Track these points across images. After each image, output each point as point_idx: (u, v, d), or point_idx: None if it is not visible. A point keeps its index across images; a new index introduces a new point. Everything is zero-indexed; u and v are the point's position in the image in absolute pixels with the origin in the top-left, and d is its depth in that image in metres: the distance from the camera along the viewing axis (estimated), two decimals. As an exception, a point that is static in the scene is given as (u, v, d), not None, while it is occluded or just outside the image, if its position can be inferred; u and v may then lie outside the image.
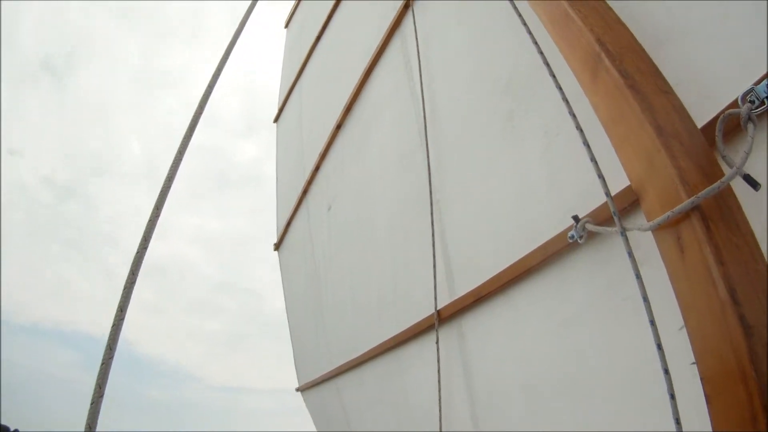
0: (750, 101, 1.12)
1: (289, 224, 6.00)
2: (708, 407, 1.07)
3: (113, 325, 1.44)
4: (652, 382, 1.20)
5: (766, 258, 1.10)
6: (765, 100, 1.10)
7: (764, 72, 1.13)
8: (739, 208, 1.16)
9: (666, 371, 1.11)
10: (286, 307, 6.81)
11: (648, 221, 1.24)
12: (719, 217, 1.12)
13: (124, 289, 1.48)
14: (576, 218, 1.52)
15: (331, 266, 4.47)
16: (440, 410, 2.43)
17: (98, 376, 1.38)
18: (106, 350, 1.41)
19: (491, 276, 2.03)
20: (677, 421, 1.07)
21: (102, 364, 1.38)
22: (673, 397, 1.09)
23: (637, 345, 1.35)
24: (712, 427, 1.06)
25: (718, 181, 1.10)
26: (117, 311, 1.47)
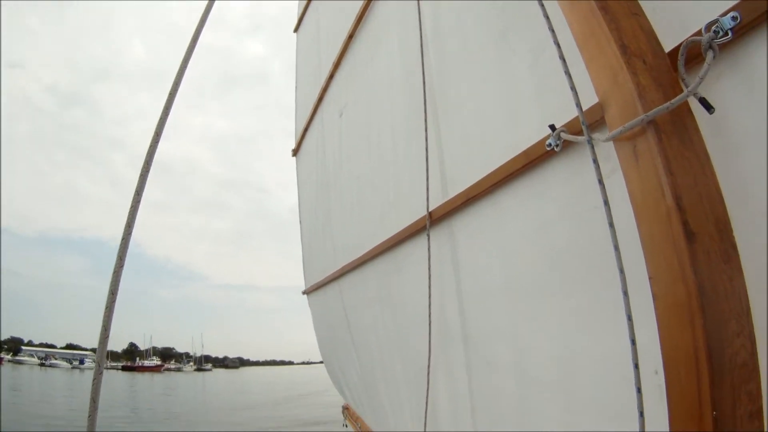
0: (714, 31, 1.20)
1: (305, 131, 6.13)
2: (654, 305, 1.22)
3: (131, 207, 1.62)
4: (613, 280, 1.33)
5: (717, 174, 1.22)
6: (729, 31, 1.18)
7: (734, 4, 1.20)
8: (696, 127, 1.26)
9: (621, 271, 1.26)
10: (300, 213, 7.11)
11: (609, 133, 1.36)
12: (673, 132, 1.23)
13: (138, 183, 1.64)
14: (552, 127, 1.66)
15: (340, 171, 4.65)
16: (430, 306, 2.67)
17: (118, 250, 1.58)
18: (126, 227, 1.60)
19: (480, 179, 2.18)
20: (629, 317, 1.23)
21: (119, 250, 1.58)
22: (626, 294, 1.25)
23: (602, 248, 1.50)
24: (657, 323, 1.21)
25: (669, 101, 1.21)
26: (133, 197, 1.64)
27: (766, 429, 1.07)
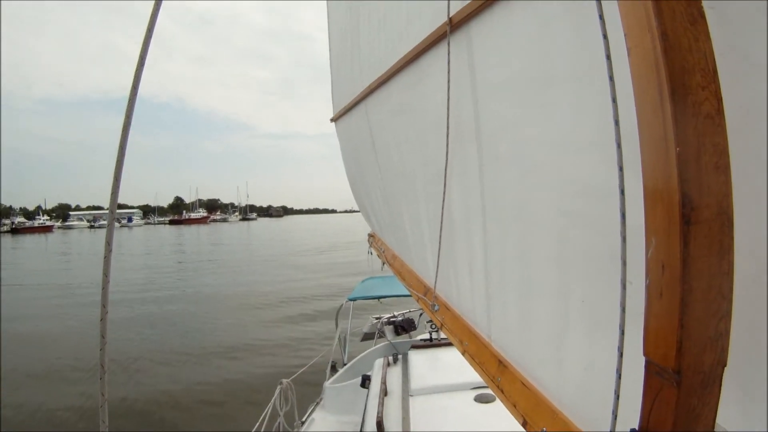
0: None
1: None
2: (629, 60, 1.27)
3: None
4: (600, 65, 1.41)
5: None
6: None
7: None
8: None
9: (608, 57, 1.34)
10: (329, 41, 7.16)
11: None
12: None
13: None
14: None
15: None
16: (448, 110, 2.88)
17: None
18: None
19: None
20: (614, 100, 1.34)
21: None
22: (611, 79, 1.34)
23: (594, 44, 1.55)
24: (631, 73, 1.27)
25: None
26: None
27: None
